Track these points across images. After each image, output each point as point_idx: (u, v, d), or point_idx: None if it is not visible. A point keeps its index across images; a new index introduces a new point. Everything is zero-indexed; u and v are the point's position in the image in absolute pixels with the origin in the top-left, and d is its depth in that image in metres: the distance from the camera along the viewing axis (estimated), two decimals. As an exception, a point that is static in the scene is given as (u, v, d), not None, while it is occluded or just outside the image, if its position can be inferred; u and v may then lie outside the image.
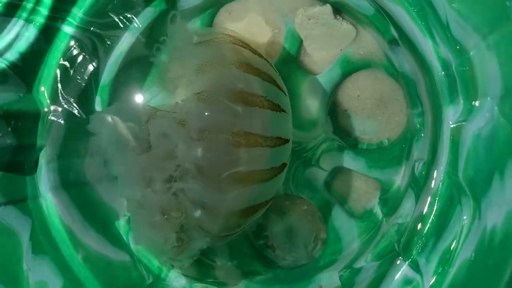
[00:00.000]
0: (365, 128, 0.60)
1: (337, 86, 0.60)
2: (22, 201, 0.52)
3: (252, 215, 0.51)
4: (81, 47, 0.55)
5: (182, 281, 0.58)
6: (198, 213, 0.47)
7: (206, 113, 0.45)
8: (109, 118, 0.48)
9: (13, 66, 0.50)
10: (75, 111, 0.56)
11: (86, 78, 0.57)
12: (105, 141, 0.48)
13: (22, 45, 0.51)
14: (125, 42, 0.58)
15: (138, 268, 0.57)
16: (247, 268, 0.62)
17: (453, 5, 0.39)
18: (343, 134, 0.61)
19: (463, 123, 0.42)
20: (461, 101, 0.43)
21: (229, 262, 0.62)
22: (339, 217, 0.61)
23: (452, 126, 0.44)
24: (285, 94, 0.52)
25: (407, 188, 0.54)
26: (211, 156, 0.45)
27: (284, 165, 0.51)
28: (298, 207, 0.63)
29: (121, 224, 0.58)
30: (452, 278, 0.40)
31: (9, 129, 0.49)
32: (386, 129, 0.60)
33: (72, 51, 0.54)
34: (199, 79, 0.46)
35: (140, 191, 0.48)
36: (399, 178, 0.58)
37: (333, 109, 0.61)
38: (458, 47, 0.42)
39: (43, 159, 0.54)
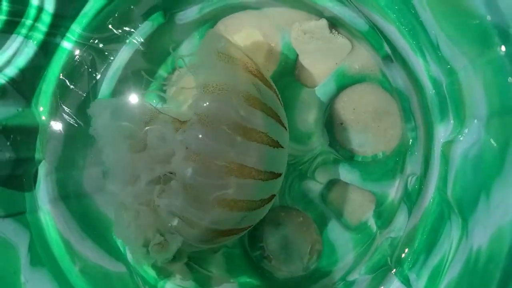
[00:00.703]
0: (360, 141, 0.61)
1: (332, 99, 0.60)
2: (21, 214, 0.53)
3: (233, 236, 0.52)
4: (80, 61, 0.56)
5: (178, 292, 0.58)
6: (175, 222, 0.48)
7: (204, 138, 0.45)
8: (109, 106, 0.48)
9: (12, 81, 0.51)
10: (73, 122, 0.57)
11: (85, 91, 0.58)
12: (101, 126, 0.48)
13: (21, 61, 0.52)
14: (123, 55, 0.59)
15: (135, 279, 0.58)
16: (243, 279, 0.62)
17: (442, 27, 0.40)
18: (338, 147, 0.61)
19: (452, 141, 0.42)
20: (451, 120, 0.44)
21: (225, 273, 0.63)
22: (334, 229, 0.61)
23: (442, 143, 0.44)
24: (286, 129, 0.52)
25: (400, 202, 0.55)
26: (200, 180, 0.45)
27: (273, 196, 0.52)
28: (294, 218, 0.63)
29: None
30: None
31: (8, 143, 0.50)
32: (381, 142, 0.60)
33: (71, 65, 0.55)
34: (206, 98, 0.46)
35: (125, 186, 0.48)
36: (393, 191, 0.59)
37: (329, 122, 0.61)
38: (448, 66, 0.43)
39: (42, 172, 0.55)
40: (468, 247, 0.38)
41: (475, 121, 0.38)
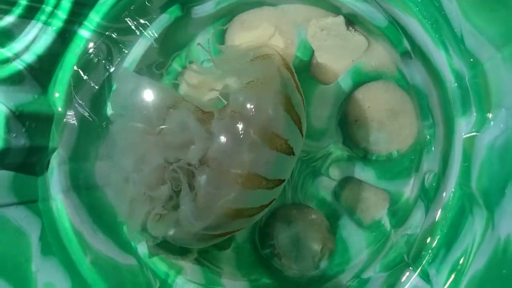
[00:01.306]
0: (375, 139, 0.61)
1: (347, 96, 0.60)
2: (33, 202, 0.52)
3: (221, 238, 0.52)
4: (97, 51, 0.55)
5: (189, 287, 0.58)
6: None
7: (229, 140, 0.44)
8: (135, 80, 0.48)
9: (29, 67, 0.51)
10: (86, 114, 0.56)
11: (100, 82, 0.57)
12: (122, 95, 0.48)
13: (39, 47, 0.51)
14: (139, 48, 0.59)
15: (145, 273, 0.57)
16: (253, 276, 0.62)
17: (468, 17, 0.40)
18: (352, 145, 0.61)
19: (475, 134, 0.42)
20: (474, 113, 0.43)
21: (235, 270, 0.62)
22: (347, 227, 0.61)
23: (464, 137, 0.44)
24: (303, 137, 0.51)
25: (417, 199, 0.54)
26: (211, 188, 0.45)
27: (273, 200, 0.51)
28: (306, 216, 0.63)
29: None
30: (465, 288, 0.40)
31: (23, 130, 0.49)
32: (395, 140, 0.60)
33: (87, 55, 0.55)
34: (245, 92, 0.45)
35: (132, 164, 0.48)
36: (408, 190, 0.58)
37: (343, 120, 0.61)
38: (471, 59, 0.43)
39: (55, 161, 0.54)
40: (495, 237, 0.38)
41: (503, 110, 0.38)
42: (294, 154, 0.49)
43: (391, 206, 0.59)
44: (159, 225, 0.49)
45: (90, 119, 0.57)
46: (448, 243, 0.45)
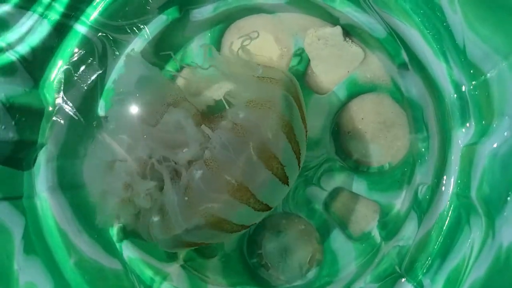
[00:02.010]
0: (367, 151, 0.61)
1: (341, 107, 0.60)
2: (17, 198, 0.50)
3: (189, 247, 0.52)
4: (91, 48, 0.54)
5: (174, 294, 0.56)
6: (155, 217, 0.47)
7: (230, 148, 0.44)
8: (142, 68, 0.48)
9: (22, 59, 0.49)
10: (72, 113, 0.55)
11: (93, 79, 0.56)
12: (130, 80, 0.48)
13: (34, 39, 0.50)
14: (135, 47, 0.58)
15: (130, 278, 0.55)
16: (240, 286, 0.60)
17: (472, 27, 0.40)
18: (344, 156, 0.61)
19: (476, 143, 0.42)
20: (473, 123, 0.44)
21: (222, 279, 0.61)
22: (336, 238, 0.60)
23: (463, 147, 0.44)
24: (299, 168, 0.51)
25: (409, 211, 0.54)
26: (203, 187, 0.44)
27: (253, 224, 0.51)
28: (295, 226, 0.62)
29: (115, 233, 0.57)
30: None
31: (13, 122, 0.48)
32: (387, 153, 0.60)
33: (82, 51, 0.54)
34: (246, 110, 0.45)
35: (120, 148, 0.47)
36: (400, 202, 0.58)
37: (336, 130, 0.61)
38: (472, 70, 0.43)
39: (43, 158, 0.53)
40: (496, 245, 0.37)
41: (506, 118, 0.38)
42: (287, 185, 0.49)
43: (382, 218, 0.59)
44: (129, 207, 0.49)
45: (76, 117, 0.55)
46: (443, 253, 0.45)
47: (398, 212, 0.58)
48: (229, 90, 0.52)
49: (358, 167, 0.61)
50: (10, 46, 0.49)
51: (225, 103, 0.48)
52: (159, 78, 0.51)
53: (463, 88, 0.44)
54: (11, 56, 0.49)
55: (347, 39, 0.59)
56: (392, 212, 0.58)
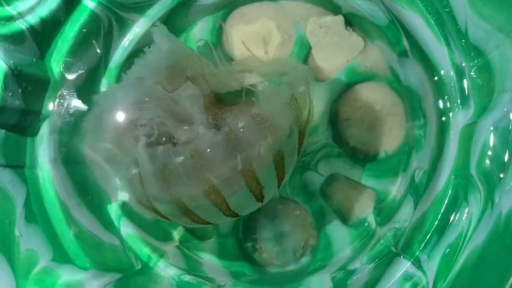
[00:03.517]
0: (363, 139, 0.62)
1: (340, 95, 0.61)
2: (20, 167, 0.50)
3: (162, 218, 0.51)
4: (98, 24, 0.55)
5: (171, 271, 0.56)
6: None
7: (217, 151, 0.44)
8: (170, 40, 0.48)
9: (31, 29, 0.50)
10: (74, 89, 0.55)
11: (97, 57, 0.57)
12: (160, 53, 0.48)
13: (43, 10, 0.51)
14: (139, 28, 0.58)
15: (128, 254, 0.56)
16: (235, 268, 0.61)
17: (476, 9, 0.42)
18: (341, 143, 0.62)
19: (475, 122, 0.44)
20: (472, 104, 0.45)
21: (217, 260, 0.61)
22: (332, 224, 0.61)
23: (462, 127, 0.46)
24: (277, 190, 0.52)
25: (406, 195, 0.55)
26: (183, 171, 0.44)
27: (218, 223, 0.52)
28: (291, 212, 0.63)
29: (113, 209, 0.57)
30: (461, 267, 0.41)
31: (20, 90, 0.48)
32: (384, 141, 0.61)
33: (89, 26, 0.54)
34: (248, 123, 0.45)
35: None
36: (395, 189, 0.59)
37: (334, 118, 0.62)
38: (472, 53, 0.45)
39: (46, 129, 0.53)
40: (495, 214, 0.39)
41: (508, 93, 0.39)
42: (261, 202, 0.49)
43: (377, 205, 0.60)
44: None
45: (78, 97, 0.56)
46: (441, 230, 0.46)
47: (394, 198, 0.59)
48: (253, 84, 0.53)
49: (355, 154, 0.62)
50: (21, 15, 0.49)
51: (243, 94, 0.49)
52: (184, 50, 0.51)
53: (464, 71, 0.46)
54: (21, 25, 0.49)
55: (348, 28, 0.60)
56: (387, 199, 0.59)
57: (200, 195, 0.45)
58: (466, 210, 0.44)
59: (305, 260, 0.61)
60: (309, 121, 0.52)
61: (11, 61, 0.47)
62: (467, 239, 0.42)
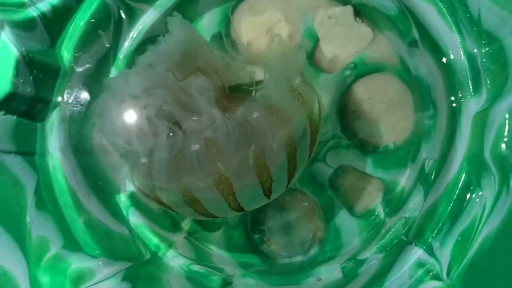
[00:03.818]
0: (372, 131, 0.62)
1: (348, 86, 0.61)
2: (30, 155, 0.50)
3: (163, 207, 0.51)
4: (108, 13, 0.55)
5: (180, 261, 0.56)
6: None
7: (232, 139, 0.44)
8: (190, 30, 0.48)
9: (43, 16, 0.50)
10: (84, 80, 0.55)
11: (106, 46, 0.57)
12: (176, 42, 0.48)
13: (55, -3, 0.51)
14: (148, 18, 0.58)
15: (136, 243, 0.55)
16: (243, 259, 0.61)
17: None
18: (349, 135, 0.62)
19: (489, 108, 0.44)
20: (484, 91, 0.45)
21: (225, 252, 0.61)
22: (340, 215, 0.61)
23: (474, 114, 0.46)
24: (286, 187, 0.51)
25: (415, 185, 0.55)
26: (195, 161, 0.44)
27: (220, 217, 0.52)
28: (299, 203, 0.63)
29: (122, 199, 0.57)
30: (476, 252, 0.41)
31: (31, 77, 0.48)
32: (392, 133, 0.61)
33: (99, 15, 0.54)
34: (261, 113, 0.45)
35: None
36: (404, 180, 0.59)
37: (342, 109, 0.62)
38: (485, 40, 0.45)
39: (56, 117, 0.53)
40: (510, 198, 0.39)
41: (523, 76, 0.39)
42: (268, 198, 0.49)
43: (386, 196, 0.60)
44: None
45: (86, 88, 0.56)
46: (453, 217, 0.46)
47: (402, 189, 0.59)
48: (261, 80, 0.52)
49: (363, 146, 0.62)
50: (32, 2, 0.49)
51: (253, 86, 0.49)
52: (198, 40, 0.51)
53: (476, 58, 0.46)
54: (32, 12, 0.49)
55: (357, 19, 0.60)
56: (396, 190, 0.59)
57: (209, 184, 0.45)
58: (480, 196, 0.44)
59: (313, 251, 0.61)
60: (320, 118, 0.52)
61: (23, 48, 0.47)
62: (481, 224, 0.42)
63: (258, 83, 0.52)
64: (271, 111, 0.46)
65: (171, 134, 0.45)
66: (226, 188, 0.45)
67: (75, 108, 0.54)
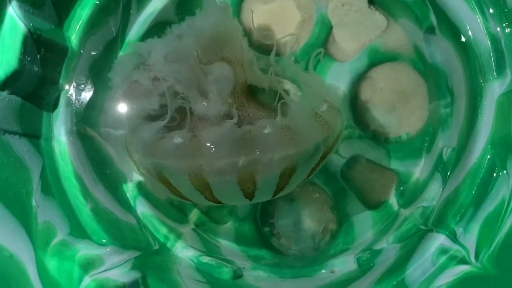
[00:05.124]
0: (385, 121, 0.60)
1: (361, 75, 0.60)
2: (36, 137, 0.48)
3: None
4: (117, -6, 0.53)
5: (189, 252, 0.55)
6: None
7: (227, 147, 0.42)
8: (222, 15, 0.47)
9: (52, -7, 0.48)
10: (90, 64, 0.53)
11: (114, 30, 0.55)
12: (204, 22, 0.47)
13: (64, -25, 0.49)
14: (157, 2, 0.57)
15: (145, 233, 0.54)
16: (253, 252, 0.59)
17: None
18: (362, 125, 0.60)
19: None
20: (509, 72, 0.44)
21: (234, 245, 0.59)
22: (353, 206, 0.59)
23: (498, 95, 0.45)
24: (269, 199, 0.50)
25: (433, 173, 0.54)
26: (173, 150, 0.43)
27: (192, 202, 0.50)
28: (309, 194, 0.61)
29: (129, 188, 0.55)
30: (507, 233, 0.40)
31: (38, 56, 0.46)
32: (405, 124, 0.60)
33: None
34: (274, 131, 0.43)
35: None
36: (418, 170, 0.58)
37: (355, 99, 0.60)
38: (507, 22, 0.44)
39: (62, 101, 0.51)
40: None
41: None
42: (250, 200, 0.47)
43: (400, 187, 0.58)
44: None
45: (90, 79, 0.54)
46: (477, 202, 0.45)
47: (417, 180, 0.57)
48: (288, 92, 0.51)
49: (376, 136, 0.60)
50: (42, -22, 0.48)
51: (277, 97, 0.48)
52: (233, 29, 0.50)
53: (500, 39, 0.45)
54: (41, -12, 0.47)
55: (371, 6, 0.59)
56: (410, 181, 0.58)
57: (184, 176, 0.44)
58: (507, 178, 0.42)
59: (325, 244, 0.59)
60: (334, 147, 0.50)
61: (31, 24, 0.45)
62: (510, 205, 0.41)
63: (280, 96, 0.50)
64: (285, 131, 0.44)
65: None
66: (201, 184, 0.44)
67: (82, 90, 0.52)
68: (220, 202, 0.47)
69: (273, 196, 0.48)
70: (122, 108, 0.47)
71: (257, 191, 0.46)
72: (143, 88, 0.46)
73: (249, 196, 0.46)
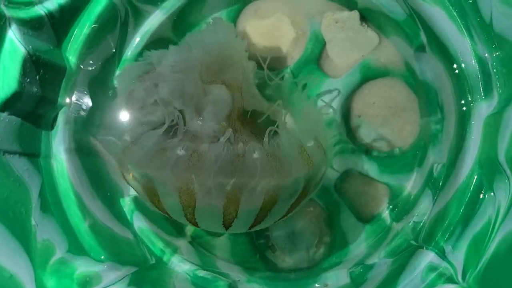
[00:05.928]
0: (377, 136, 0.61)
1: (354, 91, 0.61)
2: (35, 156, 0.49)
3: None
4: (115, 14, 0.54)
5: (185, 266, 0.55)
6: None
7: (218, 167, 0.43)
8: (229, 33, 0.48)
9: (50, 15, 0.49)
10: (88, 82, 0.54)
11: (111, 47, 0.56)
12: (212, 39, 0.48)
13: (62, -3, 0.50)
14: (154, 20, 0.58)
15: (141, 248, 0.55)
16: (248, 264, 0.60)
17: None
18: (354, 140, 0.62)
19: (502, 110, 0.44)
20: (496, 94, 0.45)
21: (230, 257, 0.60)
22: (346, 220, 0.60)
23: (486, 117, 0.46)
24: (246, 230, 0.50)
25: (423, 189, 0.55)
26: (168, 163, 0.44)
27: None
28: (304, 207, 0.62)
29: (126, 203, 0.56)
30: (492, 254, 0.41)
31: (37, 77, 0.47)
32: (398, 138, 0.61)
33: (106, 16, 0.54)
34: (262, 159, 0.44)
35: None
36: (410, 184, 0.59)
37: (348, 114, 0.62)
38: (496, 43, 0.45)
39: (61, 119, 0.52)
40: (527, 200, 0.39)
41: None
42: (225, 230, 0.48)
43: (392, 200, 0.59)
44: None
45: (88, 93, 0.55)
46: (465, 221, 0.46)
47: (409, 194, 0.58)
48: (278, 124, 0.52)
49: (369, 151, 0.61)
50: (40, 1, 0.49)
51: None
52: (237, 53, 0.51)
53: (487, 62, 0.46)
54: (40, 10, 0.48)
55: (363, 23, 0.60)
56: (402, 195, 0.59)
57: (174, 189, 0.44)
58: (493, 199, 0.44)
59: (319, 257, 0.60)
60: (316, 188, 0.51)
61: (30, 46, 0.46)
62: (496, 226, 0.42)
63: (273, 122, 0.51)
64: (271, 160, 0.45)
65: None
66: (187, 199, 0.44)
67: (79, 111, 0.53)
68: (195, 224, 0.47)
69: (249, 229, 0.49)
70: (123, 116, 0.48)
71: (236, 220, 0.46)
72: (138, 98, 0.47)
73: (227, 224, 0.47)
